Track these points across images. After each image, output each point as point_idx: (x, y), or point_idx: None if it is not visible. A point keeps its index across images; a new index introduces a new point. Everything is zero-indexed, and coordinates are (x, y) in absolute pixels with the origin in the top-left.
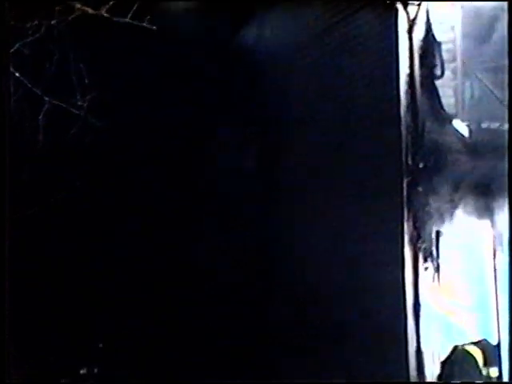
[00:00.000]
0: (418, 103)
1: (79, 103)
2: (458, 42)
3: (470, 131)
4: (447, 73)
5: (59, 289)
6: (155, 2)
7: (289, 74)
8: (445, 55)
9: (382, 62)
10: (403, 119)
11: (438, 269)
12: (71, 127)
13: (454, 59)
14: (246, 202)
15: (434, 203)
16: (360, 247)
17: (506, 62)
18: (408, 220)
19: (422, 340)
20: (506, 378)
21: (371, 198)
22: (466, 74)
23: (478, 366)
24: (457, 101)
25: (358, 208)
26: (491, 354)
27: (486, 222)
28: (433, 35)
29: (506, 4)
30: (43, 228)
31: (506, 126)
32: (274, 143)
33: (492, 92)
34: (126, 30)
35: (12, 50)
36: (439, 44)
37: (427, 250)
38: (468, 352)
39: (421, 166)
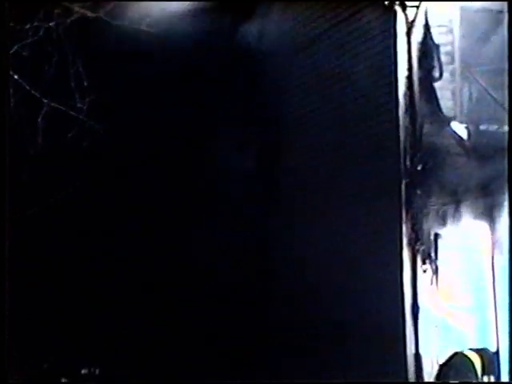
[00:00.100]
0: (417, 105)
1: (78, 105)
2: (457, 44)
3: (469, 133)
4: (445, 75)
5: (59, 289)
6: (155, 2)
7: (289, 74)
8: (443, 57)
9: (381, 63)
10: (401, 121)
11: (436, 271)
12: (70, 129)
13: (452, 61)
14: (245, 202)
15: (432, 205)
16: (360, 247)
17: (504, 64)
18: (406, 222)
19: (420, 342)
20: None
21: (370, 199)
22: (464, 77)
23: (475, 372)
24: (455, 103)
25: (358, 208)
26: (490, 362)
27: (485, 225)
28: (431, 37)
29: (505, 4)
30: (43, 228)
31: (505, 128)
32: (274, 143)
33: (490, 94)
34: (124, 32)
35: (11, 52)
36: (438, 46)
37: (425, 252)
38: (466, 357)
39: (419, 168)
